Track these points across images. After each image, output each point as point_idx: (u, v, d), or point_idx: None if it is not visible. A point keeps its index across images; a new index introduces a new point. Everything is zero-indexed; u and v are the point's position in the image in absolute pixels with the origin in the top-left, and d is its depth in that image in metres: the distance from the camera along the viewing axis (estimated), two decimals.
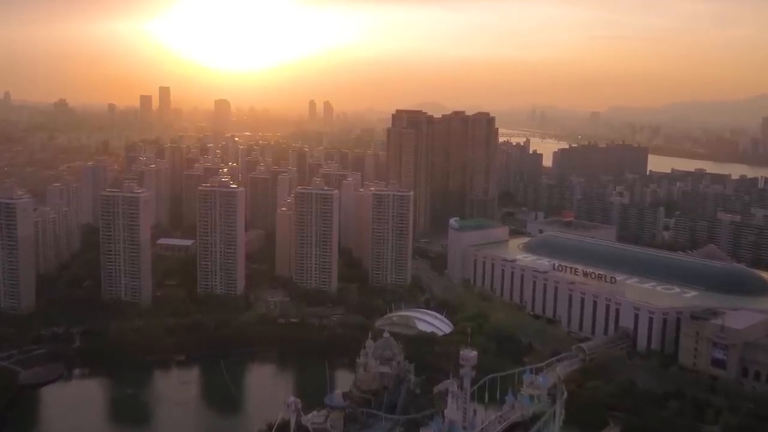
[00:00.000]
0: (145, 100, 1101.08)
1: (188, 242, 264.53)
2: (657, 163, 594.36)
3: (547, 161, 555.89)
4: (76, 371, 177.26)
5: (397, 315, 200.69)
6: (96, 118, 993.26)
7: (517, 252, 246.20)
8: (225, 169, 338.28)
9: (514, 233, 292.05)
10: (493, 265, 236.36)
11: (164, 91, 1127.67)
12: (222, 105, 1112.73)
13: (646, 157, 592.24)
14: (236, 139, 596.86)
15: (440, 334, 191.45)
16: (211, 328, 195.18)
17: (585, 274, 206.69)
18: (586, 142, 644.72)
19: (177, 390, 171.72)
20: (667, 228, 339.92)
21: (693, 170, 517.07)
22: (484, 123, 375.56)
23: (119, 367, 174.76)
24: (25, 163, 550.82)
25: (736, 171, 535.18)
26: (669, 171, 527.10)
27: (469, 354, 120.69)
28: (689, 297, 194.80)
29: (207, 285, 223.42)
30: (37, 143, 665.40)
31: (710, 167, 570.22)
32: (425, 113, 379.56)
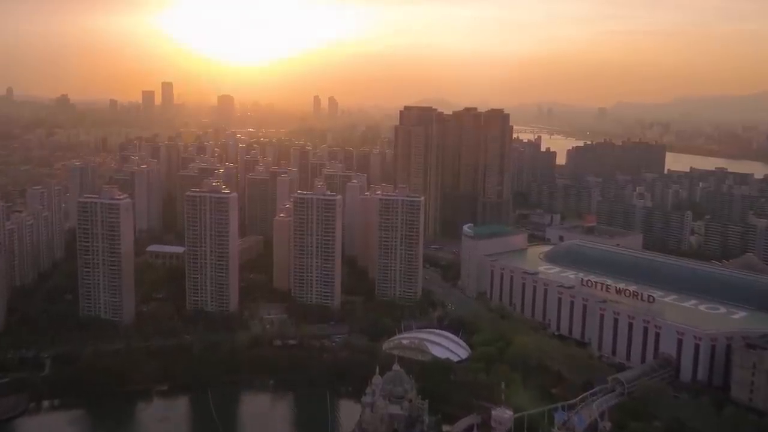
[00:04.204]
0: (148, 95, 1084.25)
1: (180, 249, 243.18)
2: (671, 161, 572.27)
3: (558, 158, 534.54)
4: (45, 404, 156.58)
5: (407, 336, 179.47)
6: (97, 113, 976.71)
7: (538, 262, 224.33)
8: (221, 170, 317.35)
9: (532, 238, 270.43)
10: (512, 277, 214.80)
11: (167, 87, 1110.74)
12: (225, 100, 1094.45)
13: (664, 155, 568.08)
14: (238, 135, 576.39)
15: (456, 360, 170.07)
16: (199, 352, 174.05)
17: (618, 291, 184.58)
18: (602, 140, 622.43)
19: (156, 427, 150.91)
20: (692, 232, 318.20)
21: (713, 169, 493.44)
22: (498, 120, 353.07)
23: (93, 399, 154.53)
24: (21, 160, 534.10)
25: (752, 169, 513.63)
26: (688, 170, 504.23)
27: (504, 415, 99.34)
28: (738, 319, 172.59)
29: (197, 300, 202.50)
30: (35, 140, 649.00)
31: (725, 165, 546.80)
32: (435, 109, 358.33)
